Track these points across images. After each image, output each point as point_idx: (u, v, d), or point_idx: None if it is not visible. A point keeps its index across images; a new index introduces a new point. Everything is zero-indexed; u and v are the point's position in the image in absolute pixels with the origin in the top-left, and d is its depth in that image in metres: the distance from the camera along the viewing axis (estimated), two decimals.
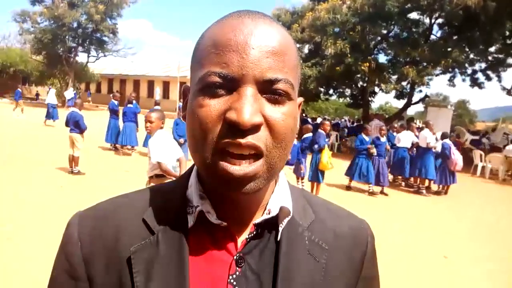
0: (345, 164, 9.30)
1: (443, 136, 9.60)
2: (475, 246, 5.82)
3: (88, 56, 29.79)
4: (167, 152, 3.78)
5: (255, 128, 0.48)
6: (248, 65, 0.48)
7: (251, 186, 0.50)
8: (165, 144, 3.83)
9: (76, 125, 7.64)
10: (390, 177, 10.80)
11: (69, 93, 22.48)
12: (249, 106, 0.47)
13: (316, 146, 7.21)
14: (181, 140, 8.44)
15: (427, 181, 9.58)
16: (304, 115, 23.66)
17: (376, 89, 17.24)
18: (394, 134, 10.59)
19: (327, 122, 8.06)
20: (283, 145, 0.51)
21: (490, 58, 15.21)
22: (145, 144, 10.56)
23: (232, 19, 0.52)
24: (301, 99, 0.61)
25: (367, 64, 13.13)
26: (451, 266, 4.87)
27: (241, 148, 0.48)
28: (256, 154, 0.49)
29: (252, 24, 0.51)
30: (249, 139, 0.48)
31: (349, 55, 13.16)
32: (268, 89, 0.50)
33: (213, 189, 0.57)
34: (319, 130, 7.39)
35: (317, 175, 7.28)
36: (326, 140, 7.54)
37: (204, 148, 0.50)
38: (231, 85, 0.49)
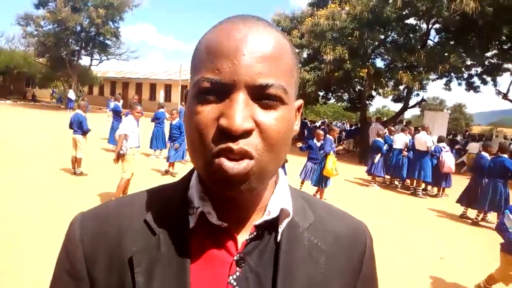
0: (344, 167, 9.28)
1: (440, 140, 9.78)
2: (472, 247, 5.84)
3: (91, 59, 30.00)
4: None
5: (246, 134, 0.49)
6: (239, 71, 0.49)
7: (245, 186, 0.50)
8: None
9: (79, 126, 7.74)
10: (387, 177, 10.99)
11: (72, 94, 22.85)
12: (240, 112, 0.48)
13: (321, 151, 7.23)
14: (176, 145, 8.61)
15: (424, 183, 9.73)
16: (303, 118, 23.82)
17: (374, 93, 17.39)
18: (391, 137, 10.79)
19: (336, 128, 7.90)
20: (275, 149, 0.51)
21: (486, 63, 15.33)
22: (152, 146, 10.70)
23: (226, 25, 0.53)
24: (300, 102, 0.62)
25: (366, 70, 13.29)
26: (447, 267, 4.89)
27: (233, 154, 0.49)
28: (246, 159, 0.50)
29: (244, 30, 0.51)
30: (241, 145, 0.48)
31: (348, 61, 13.33)
32: (260, 95, 0.50)
33: (212, 190, 0.57)
34: (327, 136, 7.37)
35: (320, 180, 7.27)
36: (333, 146, 7.42)
37: (200, 152, 0.51)
38: (223, 91, 0.49)
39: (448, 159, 9.10)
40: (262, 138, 0.50)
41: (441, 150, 9.27)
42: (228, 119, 0.48)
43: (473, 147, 14.68)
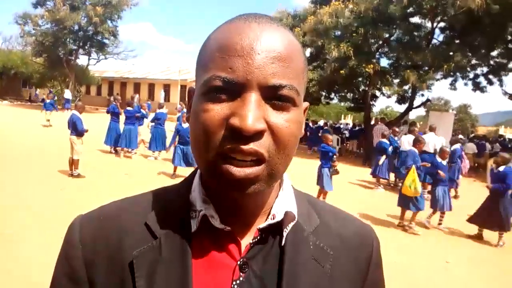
0: (348, 168, 9.14)
1: (455, 141, 9.82)
2: (477, 251, 5.79)
3: (89, 59, 29.78)
4: None
5: (258, 135, 0.47)
6: (253, 70, 0.48)
7: (252, 188, 0.49)
8: None
9: (74, 127, 7.63)
10: (392, 179, 10.77)
11: (68, 94, 22.69)
12: (253, 113, 0.46)
13: (403, 167, 6.55)
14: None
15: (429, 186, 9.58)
16: (305, 119, 23.56)
17: (377, 93, 17.16)
18: (396, 138, 10.57)
19: (423, 139, 6.84)
20: (286, 151, 0.51)
21: (492, 62, 15.13)
22: (151, 147, 10.49)
23: (238, 23, 0.51)
24: (306, 104, 0.60)
25: (372, 66, 13.06)
26: (453, 271, 4.87)
27: (243, 155, 0.47)
28: (258, 159, 0.48)
29: (258, 29, 0.50)
30: (252, 146, 0.47)
31: (353, 58, 13.10)
32: (273, 95, 0.49)
33: (216, 192, 0.56)
34: (411, 148, 6.53)
35: (403, 200, 6.32)
36: (418, 159, 6.33)
37: (207, 152, 0.49)
38: (235, 90, 0.48)
39: (467, 161, 9.27)
40: (273, 140, 0.49)
41: (462, 152, 9.36)
42: (240, 119, 0.46)
43: (469, 148, 14.97)
